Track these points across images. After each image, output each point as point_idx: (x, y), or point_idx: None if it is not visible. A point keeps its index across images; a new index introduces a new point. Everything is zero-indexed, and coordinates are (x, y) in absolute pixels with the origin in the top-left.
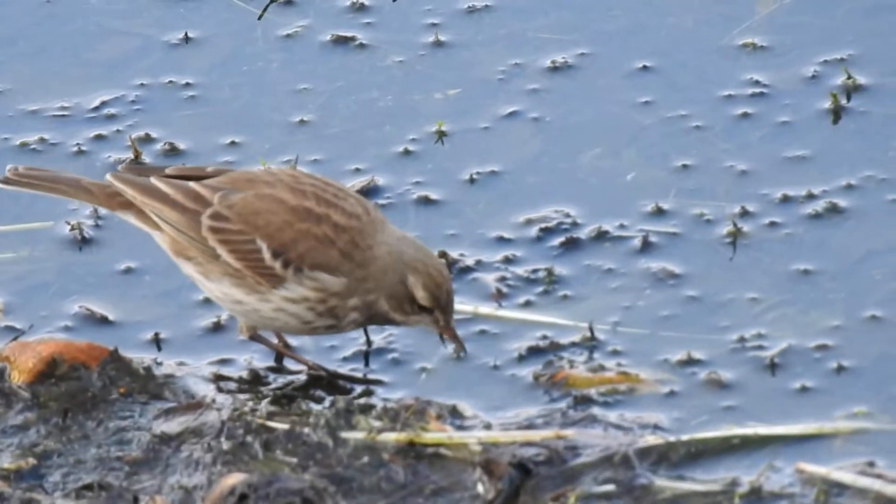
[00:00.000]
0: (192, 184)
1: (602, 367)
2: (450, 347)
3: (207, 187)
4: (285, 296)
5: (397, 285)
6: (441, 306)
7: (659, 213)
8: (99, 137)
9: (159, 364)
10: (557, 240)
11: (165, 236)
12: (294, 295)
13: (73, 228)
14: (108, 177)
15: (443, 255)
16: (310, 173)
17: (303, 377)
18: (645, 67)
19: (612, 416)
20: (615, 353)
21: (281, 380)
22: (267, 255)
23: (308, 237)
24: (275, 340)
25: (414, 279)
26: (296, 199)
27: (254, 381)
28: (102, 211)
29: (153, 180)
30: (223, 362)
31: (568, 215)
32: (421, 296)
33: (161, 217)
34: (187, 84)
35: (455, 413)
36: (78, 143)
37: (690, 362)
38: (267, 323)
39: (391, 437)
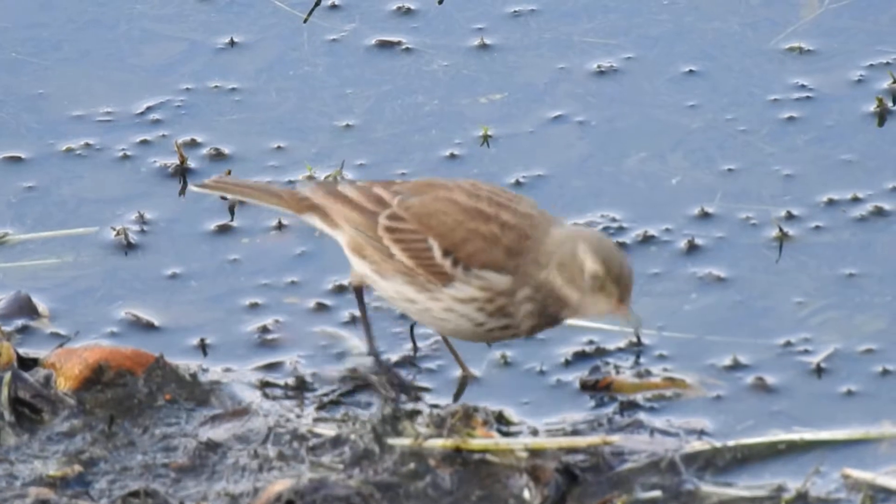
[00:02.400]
0: (375, 188)
1: (648, 373)
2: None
3: (389, 191)
4: (454, 295)
5: (568, 258)
6: (613, 275)
7: (704, 216)
8: (144, 142)
9: (205, 370)
10: None
11: (345, 235)
12: (462, 294)
13: (118, 234)
14: (299, 187)
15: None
16: (489, 183)
17: (348, 383)
18: (691, 71)
19: (658, 421)
20: (661, 358)
21: (327, 386)
22: (438, 253)
23: (476, 236)
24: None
25: (584, 247)
26: (470, 202)
27: (300, 387)
28: (148, 215)
29: (340, 187)
30: (269, 368)
31: (614, 219)
32: (591, 264)
33: (343, 217)
34: (233, 89)
35: (501, 419)
36: (123, 149)
37: (737, 367)
38: (439, 324)
39: (437, 443)
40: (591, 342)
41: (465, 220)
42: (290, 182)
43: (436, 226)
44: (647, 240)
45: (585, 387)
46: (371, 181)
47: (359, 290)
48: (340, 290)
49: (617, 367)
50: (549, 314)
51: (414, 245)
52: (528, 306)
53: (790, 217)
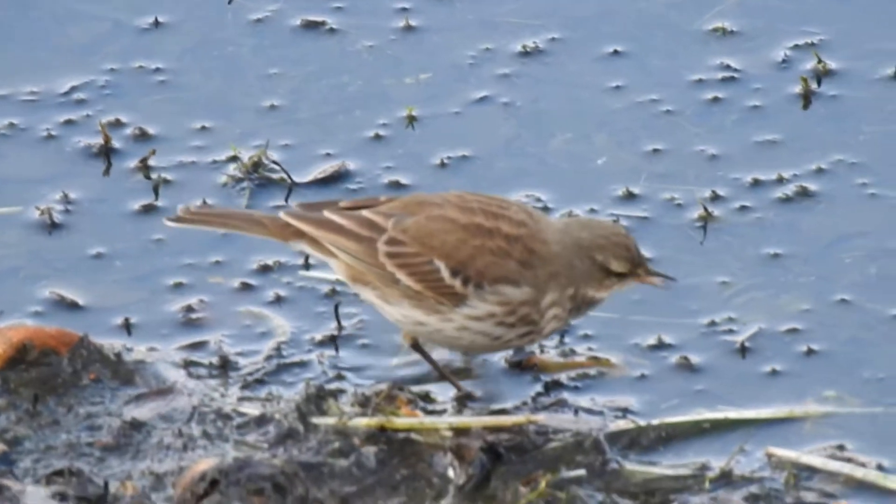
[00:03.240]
0: (364, 212)
1: (573, 352)
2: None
3: (380, 214)
4: (468, 314)
5: (589, 270)
6: (637, 263)
7: (629, 197)
8: (69, 122)
9: (129, 350)
10: None
11: (341, 264)
12: (478, 312)
13: (42, 213)
14: (282, 214)
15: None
16: (473, 192)
17: (273, 362)
18: (616, 52)
19: (582, 400)
20: (586, 337)
21: (251, 365)
22: (446, 274)
23: (484, 252)
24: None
25: (602, 256)
26: (465, 217)
27: (224, 367)
28: (72, 195)
29: (326, 213)
30: (193, 347)
31: (539, 199)
32: (616, 266)
33: (337, 247)
34: (157, 69)
35: (426, 398)
36: (48, 128)
37: (661, 346)
38: (452, 342)
39: (362, 422)
40: None
41: (468, 238)
42: (215, 162)
43: (439, 246)
44: None
45: (511, 366)
46: (354, 201)
47: (416, 346)
48: (265, 269)
49: (542, 347)
50: (576, 314)
51: (420, 268)
52: (554, 311)
53: (715, 197)
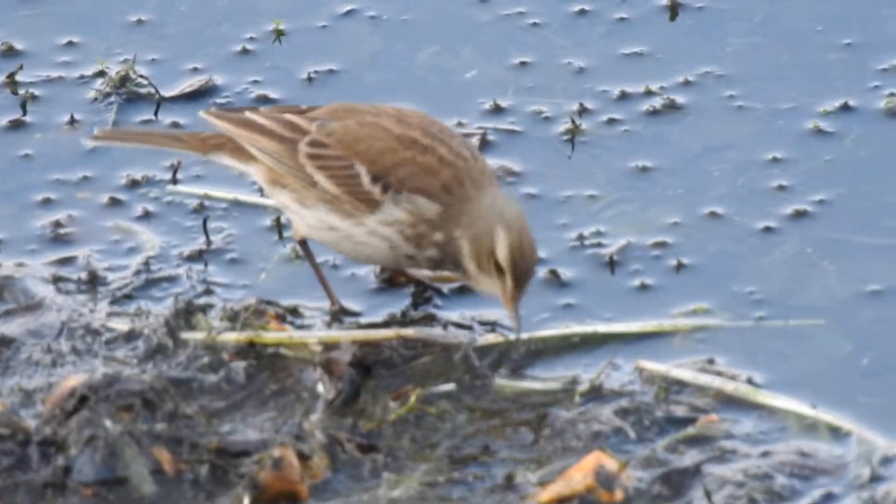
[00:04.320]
0: (287, 115)
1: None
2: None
3: (305, 118)
4: (380, 219)
5: (484, 235)
6: (516, 274)
7: (497, 110)
8: None
9: None
10: None
11: (261, 167)
12: (388, 217)
13: None
14: (202, 113)
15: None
16: (416, 111)
17: (142, 277)
18: None
19: (452, 315)
20: None
21: (120, 280)
22: (366, 179)
23: (411, 164)
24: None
25: (502, 234)
26: (401, 129)
27: (93, 282)
28: None
29: (248, 114)
30: (62, 262)
31: None
32: (501, 254)
33: (258, 147)
34: None
35: (295, 313)
36: None
37: None
38: (358, 249)
39: (231, 337)
40: None
41: (399, 148)
42: (83, 77)
43: (363, 151)
44: None
45: (380, 282)
46: (274, 107)
47: (304, 243)
48: (133, 184)
49: None
50: (444, 267)
51: (340, 172)
52: (432, 251)
53: (583, 110)
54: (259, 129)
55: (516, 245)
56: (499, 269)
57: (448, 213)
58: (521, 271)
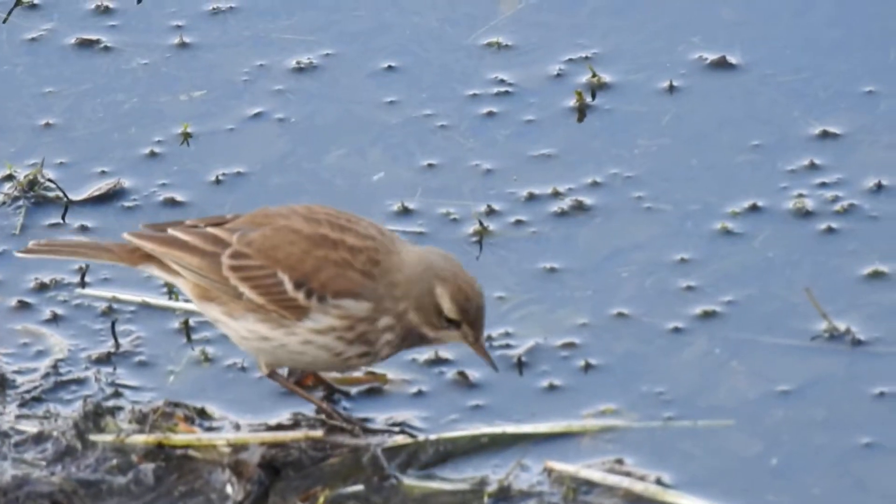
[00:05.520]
0: (209, 229)
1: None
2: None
3: (226, 230)
4: (311, 327)
5: (425, 296)
6: (469, 320)
7: (405, 212)
8: None
9: None
10: None
11: (188, 283)
12: (320, 326)
13: None
14: (126, 235)
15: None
16: (323, 206)
17: (51, 380)
18: (390, 67)
19: (360, 416)
20: None
21: (29, 383)
22: (289, 286)
23: (327, 264)
24: (291, 379)
25: (441, 290)
26: (310, 228)
27: (2, 385)
28: None
29: (171, 231)
30: None
31: None
32: (448, 308)
33: (181, 264)
34: None
35: (204, 415)
36: None
37: (438, 361)
38: (296, 359)
39: (140, 439)
40: None
41: (312, 249)
42: None
43: (283, 258)
44: None
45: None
46: (199, 219)
47: (274, 375)
48: (41, 287)
49: None
50: (408, 343)
51: (263, 281)
52: (388, 336)
53: (491, 212)
54: (181, 246)
55: (457, 292)
56: (451, 321)
57: (379, 298)
58: (472, 316)
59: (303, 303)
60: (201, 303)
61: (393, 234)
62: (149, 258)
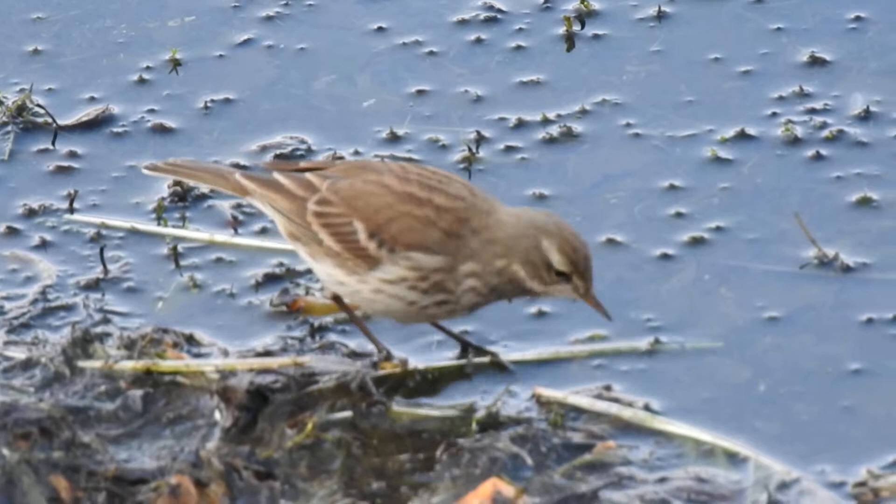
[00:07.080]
0: (307, 174)
1: None
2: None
3: (320, 176)
4: (382, 277)
5: (532, 251)
6: (579, 271)
7: (394, 138)
8: None
9: None
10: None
11: (281, 220)
12: (390, 276)
13: None
14: (237, 176)
15: (178, 183)
16: (419, 165)
17: (39, 306)
18: None
19: (349, 343)
20: None
21: (17, 309)
22: (363, 236)
23: (406, 218)
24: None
25: (548, 243)
26: (400, 186)
27: None
28: None
29: (275, 174)
30: None
31: (303, 141)
32: (557, 260)
33: (274, 206)
34: None
35: (192, 341)
36: None
37: None
38: (370, 305)
39: (128, 365)
40: (281, 264)
41: (396, 203)
42: None
43: (362, 208)
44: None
45: (276, 308)
46: (310, 162)
47: (336, 298)
48: (30, 213)
49: (307, 289)
50: (503, 296)
51: (340, 229)
52: (471, 282)
53: (480, 138)
54: (277, 189)
55: (564, 244)
56: (561, 274)
57: (463, 252)
58: (582, 266)
59: (374, 253)
60: (292, 242)
61: (488, 195)
62: (254, 193)
